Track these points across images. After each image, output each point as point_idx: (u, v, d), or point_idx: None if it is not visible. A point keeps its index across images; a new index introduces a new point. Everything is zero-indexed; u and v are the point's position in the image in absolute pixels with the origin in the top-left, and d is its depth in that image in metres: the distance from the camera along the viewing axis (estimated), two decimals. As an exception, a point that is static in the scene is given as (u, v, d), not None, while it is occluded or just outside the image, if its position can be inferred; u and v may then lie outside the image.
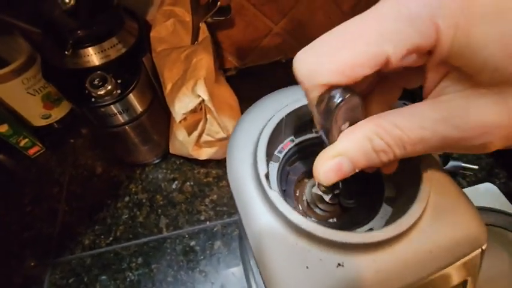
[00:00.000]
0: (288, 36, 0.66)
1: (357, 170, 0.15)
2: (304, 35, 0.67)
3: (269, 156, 0.20)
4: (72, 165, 0.54)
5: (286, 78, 0.65)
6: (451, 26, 0.11)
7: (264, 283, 0.15)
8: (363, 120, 0.14)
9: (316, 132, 0.22)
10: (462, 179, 0.50)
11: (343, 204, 0.20)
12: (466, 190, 0.48)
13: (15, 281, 0.42)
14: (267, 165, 0.18)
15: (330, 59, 0.14)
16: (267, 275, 0.15)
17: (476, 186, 0.48)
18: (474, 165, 0.49)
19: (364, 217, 0.19)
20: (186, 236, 0.46)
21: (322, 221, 0.21)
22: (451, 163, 0.48)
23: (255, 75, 0.69)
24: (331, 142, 0.15)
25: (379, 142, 0.13)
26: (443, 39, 0.12)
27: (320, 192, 0.20)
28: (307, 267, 0.15)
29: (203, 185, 0.50)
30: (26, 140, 0.52)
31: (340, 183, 0.19)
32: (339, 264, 0.15)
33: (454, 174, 0.49)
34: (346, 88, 0.14)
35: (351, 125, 0.15)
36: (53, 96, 0.52)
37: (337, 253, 0.15)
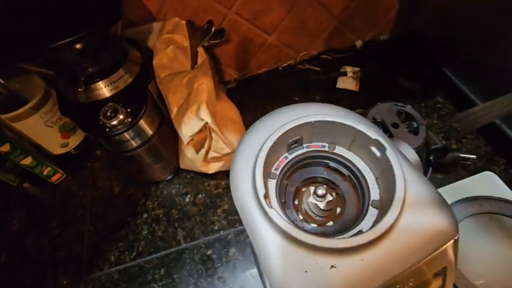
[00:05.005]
0: (282, 45, 0.69)
1: None
2: (298, 42, 0.69)
3: (267, 175, 0.23)
4: (92, 188, 0.58)
5: (284, 85, 0.67)
6: None
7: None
8: None
9: (307, 147, 0.25)
10: (462, 169, 0.52)
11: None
12: (466, 180, 0.49)
13: (52, 299, 0.46)
14: (265, 184, 0.21)
15: None
16: (273, 281, 0.18)
17: (476, 175, 0.49)
18: (472, 154, 0.50)
19: (355, 220, 0.21)
20: (203, 245, 0.49)
21: (319, 228, 0.23)
22: (450, 154, 0.50)
23: (255, 84, 0.72)
24: None
25: None
26: None
27: (315, 201, 0.23)
28: (305, 271, 0.17)
29: (214, 197, 0.54)
30: (49, 168, 0.56)
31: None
32: (332, 266, 0.17)
33: (453, 165, 0.51)
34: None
35: None
36: (68, 126, 0.56)
37: (330, 257, 0.17)
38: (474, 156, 0.50)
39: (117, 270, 0.48)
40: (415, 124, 0.41)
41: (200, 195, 0.54)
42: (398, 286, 0.18)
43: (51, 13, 0.37)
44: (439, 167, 0.51)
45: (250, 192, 0.20)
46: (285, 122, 0.23)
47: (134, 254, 0.49)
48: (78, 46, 0.36)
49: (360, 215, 0.21)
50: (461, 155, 0.50)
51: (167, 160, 0.54)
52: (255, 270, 0.46)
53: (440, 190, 0.48)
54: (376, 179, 0.23)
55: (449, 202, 0.46)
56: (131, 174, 0.57)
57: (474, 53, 0.50)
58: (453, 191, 0.47)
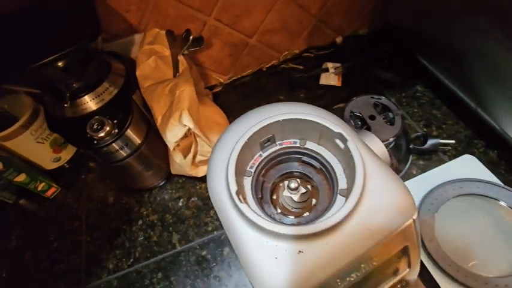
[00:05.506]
0: (264, 46, 0.70)
1: None
2: (279, 42, 0.71)
3: (242, 173, 0.24)
4: (86, 199, 0.59)
5: (268, 85, 0.69)
6: None
7: (247, 276, 0.19)
8: None
9: (280, 144, 0.27)
10: (443, 154, 0.53)
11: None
12: (448, 164, 0.51)
13: (54, 310, 0.47)
14: (240, 181, 0.22)
15: None
16: (247, 269, 0.19)
17: (456, 159, 0.51)
18: (452, 139, 0.52)
19: (325, 209, 0.23)
20: (197, 247, 0.50)
21: (295, 219, 0.25)
22: (429, 141, 0.51)
23: (240, 86, 0.73)
24: None
25: None
26: None
27: (289, 194, 0.24)
28: (276, 258, 0.19)
29: (206, 199, 0.55)
30: (43, 183, 0.57)
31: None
32: (300, 251, 0.19)
33: (434, 151, 0.53)
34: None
35: None
36: (59, 141, 0.57)
37: (297, 243, 0.19)
38: (453, 142, 0.52)
39: (116, 277, 0.49)
40: (391, 115, 0.42)
41: (193, 199, 0.56)
42: (363, 265, 0.19)
43: (30, 34, 0.38)
44: (420, 154, 0.53)
45: (224, 189, 0.21)
46: (256, 122, 0.25)
47: (131, 260, 0.50)
48: (60, 64, 0.38)
49: (329, 204, 0.23)
50: (441, 140, 0.51)
51: (158, 167, 0.56)
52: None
53: (423, 175, 0.50)
54: (344, 169, 0.24)
55: (431, 186, 0.48)
56: (124, 183, 0.58)
57: (445, 41, 0.52)
58: (435, 175, 0.49)
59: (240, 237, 0.20)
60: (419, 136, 0.54)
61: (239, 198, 0.20)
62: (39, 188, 0.57)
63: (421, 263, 0.42)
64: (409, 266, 0.22)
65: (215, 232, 0.51)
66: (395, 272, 0.22)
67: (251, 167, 0.25)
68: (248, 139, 0.23)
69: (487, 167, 0.49)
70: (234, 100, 0.71)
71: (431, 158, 0.54)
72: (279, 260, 0.19)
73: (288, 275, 0.18)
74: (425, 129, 0.57)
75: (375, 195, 0.20)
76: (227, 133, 0.25)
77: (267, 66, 0.74)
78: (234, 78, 0.74)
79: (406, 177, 0.50)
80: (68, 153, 0.60)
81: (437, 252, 0.42)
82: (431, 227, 0.44)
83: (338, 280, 0.19)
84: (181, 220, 0.53)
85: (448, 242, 0.43)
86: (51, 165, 0.59)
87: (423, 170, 0.51)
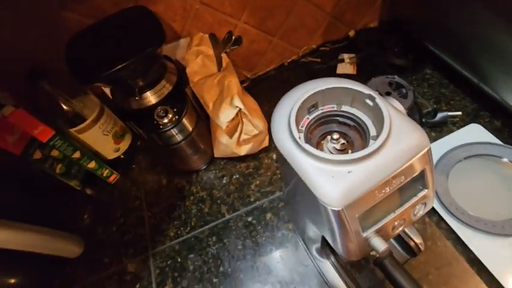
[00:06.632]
0: (286, 43, 0.79)
1: None
2: (299, 39, 0.80)
3: (298, 130, 0.33)
4: (143, 183, 0.69)
5: (291, 77, 0.79)
6: None
7: (311, 191, 0.28)
8: None
9: (322, 109, 0.35)
10: (452, 125, 0.61)
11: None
12: (456, 132, 0.59)
13: (129, 269, 0.57)
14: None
15: None
16: (314, 189, 0.28)
17: (464, 127, 0.59)
18: (458, 111, 0.60)
19: (360, 149, 0.31)
20: (244, 215, 0.59)
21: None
22: (439, 114, 0.59)
23: (266, 80, 0.82)
24: None
25: None
26: None
27: (332, 145, 0.33)
28: (332, 177, 0.27)
29: (247, 175, 0.64)
30: (107, 170, 0.67)
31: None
32: (349, 171, 0.27)
33: (444, 122, 0.60)
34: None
35: None
36: (119, 133, 0.67)
37: (346, 166, 0.27)
38: (460, 113, 0.59)
39: (177, 242, 0.58)
40: (404, 90, 0.50)
41: (234, 176, 0.65)
42: (394, 181, 0.28)
43: (112, 43, 0.48)
44: (432, 126, 0.61)
45: (288, 138, 0.30)
46: (304, 93, 0.33)
47: (188, 228, 0.60)
48: (132, 66, 0.48)
49: (364, 146, 0.31)
50: (449, 113, 0.59)
51: (204, 151, 0.65)
52: (288, 226, 0.56)
53: (436, 142, 0.58)
54: (373, 121, 0.33)
55: (444, 151, 0.55)
56: (174, 166, 0.68)
57: (448, 27, 0.60)
58: (446, 143, 0.57)
59: (305, 167, 0.28)
60: (430, 111, 0.61)
61: (302, 140, 0.29)
62: (105, 174, 0.67)
63: (439, 215, 0.50)
64: (427, 187, 0.30)
65: (257, 202, 0.60)
66: (417, 192, 0.31)
67: (302, 126, 0.34)
68: (300, 103, 0.32)
69: (492, 134, 0.56)
70: (261, 93, 0.79)
71: (443, 129, 0.61)
72: (335, 178, 0.27)
73: (342, 188, 0.27)
74: (435, 106, 0.65)
75: (399, 135, 0.28)
76: (284, 99, 0.34)
77: (288, 61, 0.83)
78: (259, 73, 0.83)
79: (420, 146, 0.58)
80: (124, 145, 0.70)
81: (452, 204, 0.50)
82: (446, 184, 0.52)
83: (376, 191, 0.27)
84: (227, 194, 0.62)
85: (461, 196, 0.50)
86: (112, 155, 0.69)
87: (435, 139, 0.59)
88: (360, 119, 0.34)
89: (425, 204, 0.32)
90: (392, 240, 0.49)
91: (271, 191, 0.61)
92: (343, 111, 0.35)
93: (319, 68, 0.79)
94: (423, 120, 0.59)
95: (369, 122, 0.33)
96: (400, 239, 0.47)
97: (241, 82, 0.81)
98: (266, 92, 0.79)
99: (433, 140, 0.59)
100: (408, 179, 0.29)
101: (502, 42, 0.49)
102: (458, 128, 0.60)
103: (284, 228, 0.56)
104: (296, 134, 0.30)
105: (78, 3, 0.53)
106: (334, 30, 0.82)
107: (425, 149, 0.28)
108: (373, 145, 0.28)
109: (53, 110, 0.58)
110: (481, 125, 0.58)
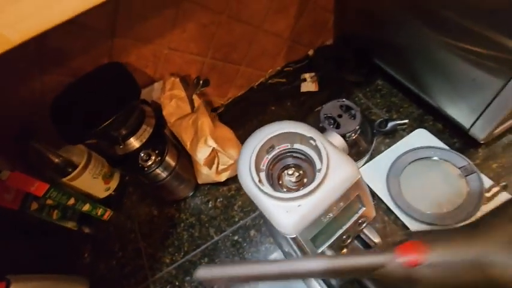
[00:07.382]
0: (252, 69, 0.87)
1: None
2: (263, 64, 0.87)
3: (259, 169, 0.40)
4: (136, 216, 0.75)
5: (261, 99, 0.87)
6: None
7: (271, 226, 0.35)
8: None
9: (278, 148, 0.43)
10: (402, 131, 0.70)
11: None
12: (405, 138, 0.67)
13: (133, 299, 0.63)
14: (259, 174, 0.38)
15: None
16: (272, 220, 0.35)
17: (411, 133, 0.67)
18: (406, 119, 0.68)
19: (311, 182, 0.39)
20: (230, 234, 0.66)
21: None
22: (389, 124, 0.68)
23: (238, 104, 0.89)
24: None
25: None
26: None
27: (289, 178, 0.40)
28: (287, 211, 0.35)
29: (229, 198, 0.71)
30: (100, 209, 0.73)
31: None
32: (299, 205, 0.35)
33: (394, 130, 0.69)
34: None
35: None
36: (108, 174, 0.73)
37: (297, 201, 0.35)
38: (407, 121, 0.68)
39: (174, 267, 0.65)
40: (353, 112, 0.58)
41: (219, 200, 0.71)
42: (335, 207, 0.35)
43: (93, 99, 0.54)
44: (385, 134, 0.69)
45: (251, 181, 0.37)
46: (262, 137, 0.41)
47: (182, 253, 0.66)
48: (115, 120, 0.54)
49: (313, 178, 0.39)
50: (398, 122, 0.67)
51: (188, 180, 0.72)
52: (270, 240, 0.63)
53: (388, 150, 0.66)
54: (318, 157, 0.40)
55: (396, 156, 0.64)
56: (164, 197, 0.74)
57: (390, 44, 0.68)
58: (397, 148, 0.65)
59: (265, 204, 0.36)
60: (382, 121, 0.70)
61: (261, 183, 0.36)
62: (99, 214, 0.73)
63: (395, 214, 0.59)
64: (364, 205, 0.38)
65: (241, 221, 0.67)
66: (358, 210, 0.38)
67: (263, 165, 0.41)
68: (259, 148, 0.39)
69: (436, 136, 0.65)
70: (235, 116, 0.87)
71: (395, 135, 0.70)
72: (288, 212, 0.34)
73: (294, 219, 0.34)
74: (387, 114, 0.73)
75: (335, 168, 0.36)
76: (245, 147, 0.41)
77: (257, 84, 0.90)
78: (231, 98, 0.90)
79: (376, 153, 0.67)
80: (114, 183, 0.76)
81: (404, 203, 0.58)
82: (398, 186, 0.60)
83: (322, 218, 0.35)
84: (214, 217, 0.69)
85: (411, 195, 0.59)
86: (103, 194, 0.74)
87: (389, 146, 0.67)
88: (308, 155, 0.41)
89: (366, 217, 0.40)
90: (356, 242, 0.57)
91: (252, 209, 0.68)
92: (295, 149, 0.43)
93: (285, 89, 0.87)
94: (374, 130, 0.67)
95: (315, 157, 0.41)
96: (362, 240, 0.55)
97: (216, 109, 0.88)
98: (239, 115, 0.86)
99: (387, 147, 0.67)
100: (347, 203, 0.37)
101: (436, 55, 0.57)
102: (407, 134, 0.68)
103: (267, 242, 0.64)
104: (256, 179, 0.37)
105: (58, 67, 0.59)
106: (295, 52, 0.90)
107: (356, 179, 0.36)
108: (315, 182, 0.35)
109: (43, 164, 0.63)
110: (427, 129, 0.67)
